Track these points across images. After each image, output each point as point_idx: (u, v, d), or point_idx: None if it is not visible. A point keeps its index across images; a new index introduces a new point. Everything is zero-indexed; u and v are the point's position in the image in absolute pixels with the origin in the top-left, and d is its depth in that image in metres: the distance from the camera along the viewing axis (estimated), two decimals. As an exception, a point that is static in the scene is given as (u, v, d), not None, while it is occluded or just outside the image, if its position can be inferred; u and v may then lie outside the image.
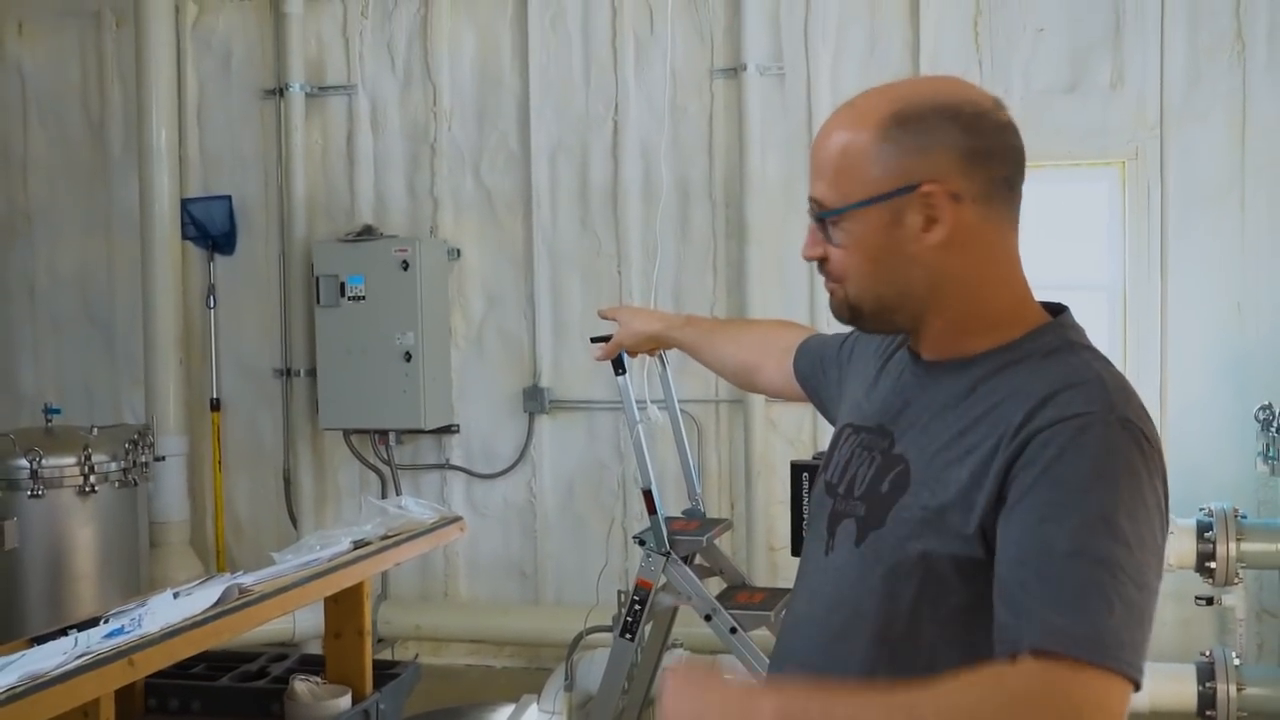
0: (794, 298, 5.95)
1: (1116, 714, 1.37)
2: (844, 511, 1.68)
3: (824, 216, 1.61)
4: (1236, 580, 5.09)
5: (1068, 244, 5.94)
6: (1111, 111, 5.74)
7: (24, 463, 4.86)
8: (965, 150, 1.56)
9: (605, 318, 2.70)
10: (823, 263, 1.66)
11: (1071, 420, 1.46)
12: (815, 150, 1.65)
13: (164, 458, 5.98)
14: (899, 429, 1.66)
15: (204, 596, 2.54)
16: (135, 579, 5.25)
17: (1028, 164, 5.21)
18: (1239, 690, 4.97)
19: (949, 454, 1.57)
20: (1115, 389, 1.52)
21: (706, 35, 6.15)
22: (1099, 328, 5.84)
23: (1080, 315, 5.68)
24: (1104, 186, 5.85)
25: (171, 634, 2.29)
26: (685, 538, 4.63)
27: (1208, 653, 5.13)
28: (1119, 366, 5.32)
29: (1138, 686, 1.38)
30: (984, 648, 1.49)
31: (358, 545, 3.05)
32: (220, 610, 2.44)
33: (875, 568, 1.60)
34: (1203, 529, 5.09)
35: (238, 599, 2.52)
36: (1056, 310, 1.68)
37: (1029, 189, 5.41)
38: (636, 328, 2.52)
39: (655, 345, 2.55)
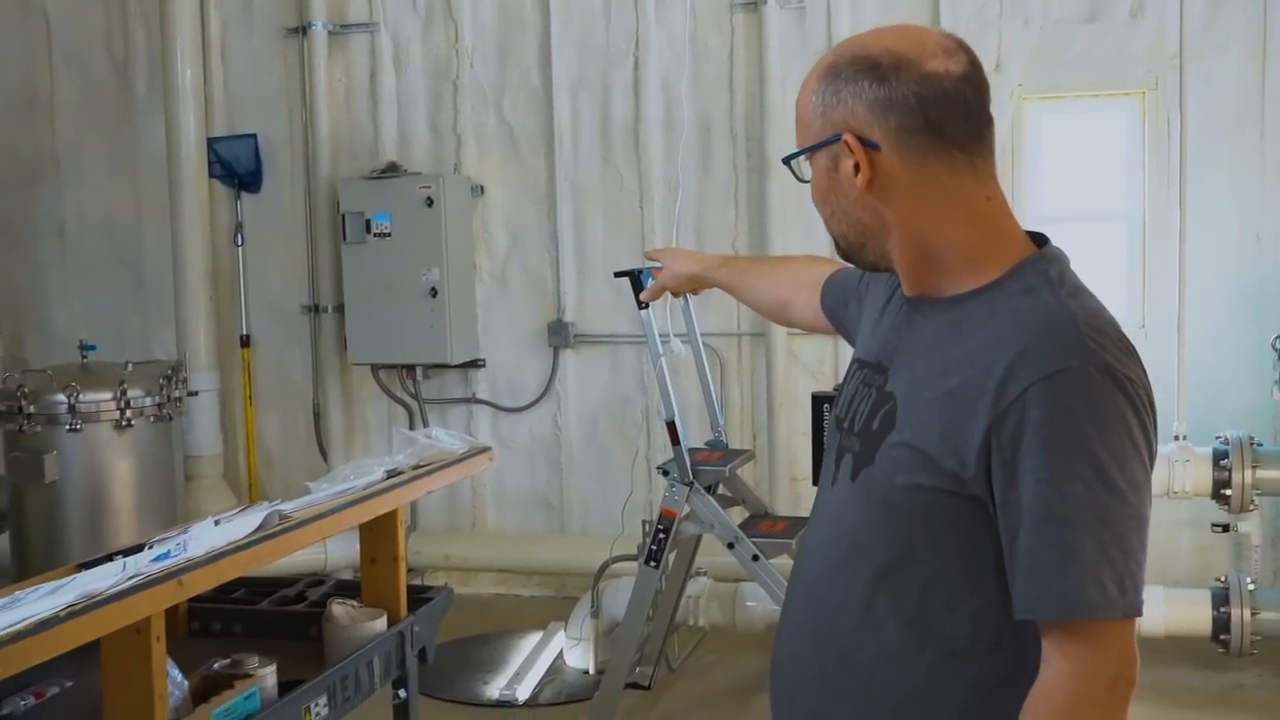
0: (814, 231, 5.91)
1: (1133, 646, 1.53)
2: (846, 446, 1.75)
3: (785, 160, 1.74)
4: (1252, 507, 5.17)
5: (1088, 174, 5.97)
6: (1131, 42, 5.74)
7: (62, 398, 4.98)
8: (874, 101, 1.60)
9: (649, 258, 2.81)
10: None
11: (1053, 377, 1.50)
12: None
13: (196, 393, 6.10)
14: (893, 366, 1.71)
15: (246, 522, 2.63)
16: (171, 511, 5.38)
17: (1048, 94, 5.21)
18: (1253, 615, 5.05)
19: (929, 393, 1.61)
20: (1090, 331, 1.54)
21: (726, -31, 6.16)
22: (1118, 257, 5.88)
23: (1099, 245, 5.67)
24: (1123, 117, 5.86)
25: (216, 557, 2.39)
26: (708, 468, 4.73)
27: (1223, 578, 5.21)
28: (1137, 296, 5.33)
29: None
30: (983, 577, 1.59)
31: (391, 474, 3.14)
32: (262, 535, 2.54)
33: (868, 503, 1.67)
34: (1218, 456, 5.16)
35: (278, 524, 2.62)
36: (1041, 242, 1.70)
37: (1048, 118, 5.46)
38: (676, 269, 2.59)
39: (695, 285, 2.62)
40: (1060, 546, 1.48)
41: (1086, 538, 1.48)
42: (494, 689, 5.27)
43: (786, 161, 1.73)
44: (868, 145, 1.61)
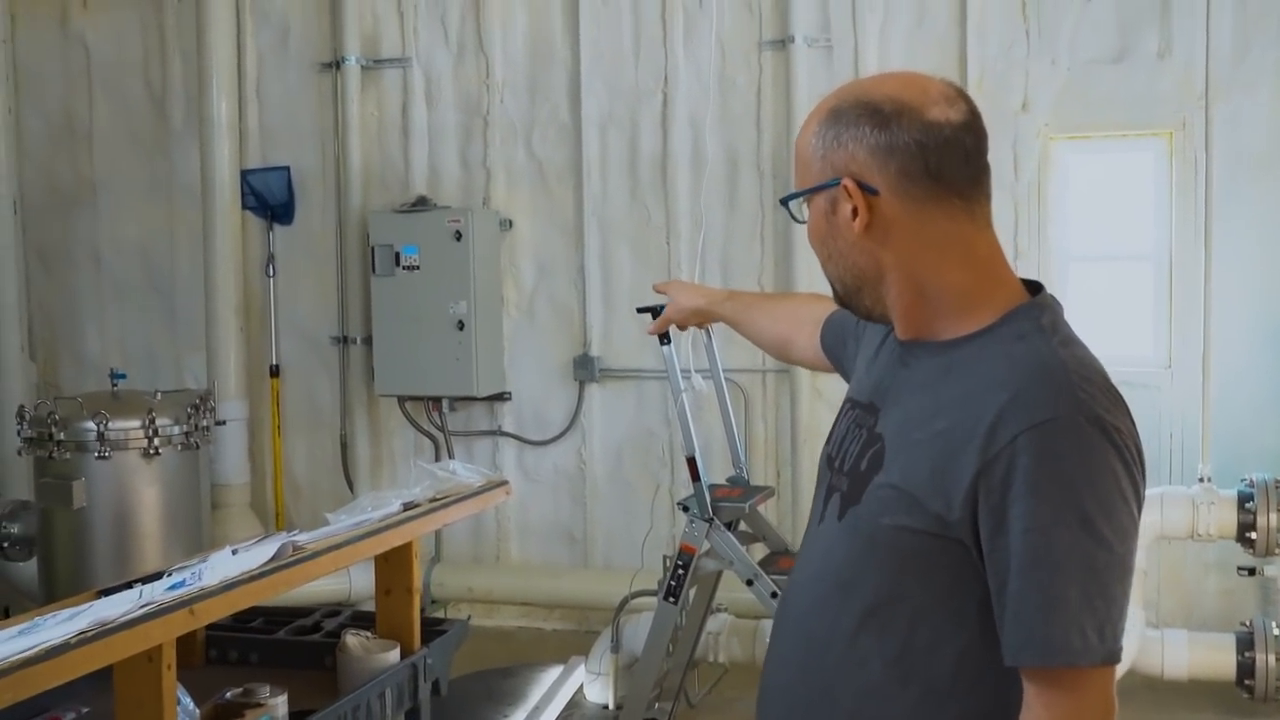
0: (840, 268, 6.00)
1: (1112, 693, 1.56)
2: (834, 485, 1.76)
3: (781, 202, 1.77)
4: (1278, 551, 5.13)
5: (1115, 214, 5.96)
6: (1159, 81, 5.74)
7: (91, 425, 5.04)
8: (875, 146, 1.62)
9: (659, 291, 2.82)
10: None
11: (1042, 426, 1.51)
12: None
13: (224, 422, 6.17)
14: (884, 407, 1.73)
15: (260, 553, 2.67)
16: (198, 538, 5.42)
17: (1075, 134, 5.21)
18: (1278, 660, 5.00)
19: (919, 434, 1.63)
20: (1080, 381, 1.55)
21: (754, 7, 6.20)
22: (1144, 297, 5.87)
23: (1126, 284, 5.65)
24: (1151, 157, 5.85)
25: (229, 586, 2.43)
26: (728, 504, 4.73)
27: (1248, 622, 5.17)
28: (1164, 336, 5.32)
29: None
30: (967, 618, 1.60)
31: (408, 507, 3.17)
32: (275, 565, 2.57)
33: (855, 541, 1.69)
34: (1243, 499, 5.13)
35: (291, 555, 2.65)
36: (1036, 290, 1.72)
37: (1075, 158, 5.45)
38: (683, 303, 2.63)
39: (701, 319, 2.65)
40: (1045, 593, 1.50)
41: (1071, 585, 1.49)
42: (513, 722, 5.27)
43: (784, 202, 1.75)
44: (866, 190, 1.63)
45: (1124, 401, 1.59)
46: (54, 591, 5.15)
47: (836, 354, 2.13)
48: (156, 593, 2.51)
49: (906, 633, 1.63)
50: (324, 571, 2.73)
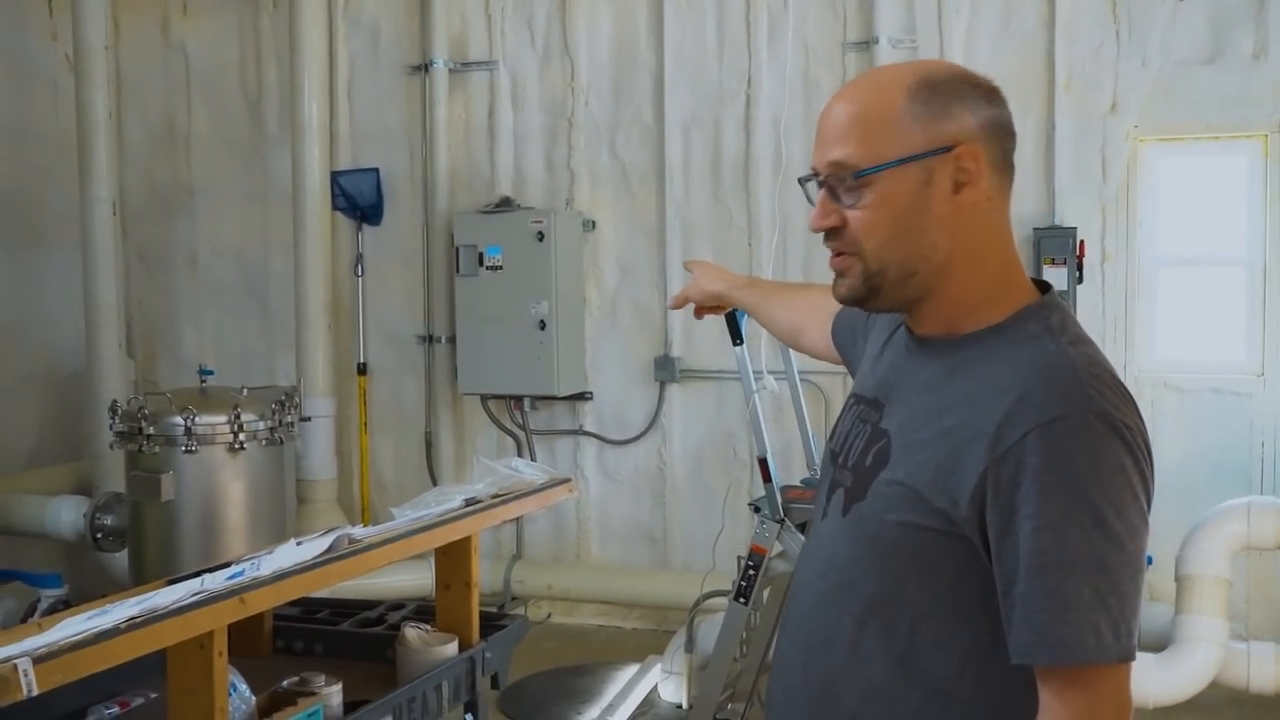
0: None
1: (1128, 692, 1.53)
2: (839, 481, 1.74)
3: (860, 175, 1.59)
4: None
5: (1206, 217, 5.83)
6: (1254, 83, 5.62)
7: (179, 420, 5.16)
8: (988, 119, 1.61)
9: (688, 269, 2.73)
10: (833, 233, 1.65)
11: (1052, 424, 1.49)
12: (828, 118, 1.65)
13: (310, 418, 6.30)
14: (889, 404, 1.70)
15: (319, 545, 2.73)
16: (281, 532, 5.51)
17: (1166, 136, 5.13)
18: (1368, 675, 4.86)
19: (924, 433, 1.61)
20: (1089, 379, 1.54)
21: (839, 8, 6.18)
22: (1237, 303, 5.73)
23: (1217, 289, 5.58)
24: (1244, 160, 5.71)
25: (280, 577, 2.48)
26: (799, 506, 4.72)
27: (1338, 636, 5.03)
28: (1257, 343, 5.22)
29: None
30: (972, 617, 1.58)
31: (469, 503, 3.21)
32: (328, 557, 2.62)
33: (859, 539, 1.66)
34: (1317, 510, 4.99)
35: (346, 547, 2.70)
36: (1044, 289, 1.69)
37: (1166, 160, 5.38)
38: (703, 284, 2.55)
39: (719, 303, 2.59)
40: (1058, 593, 1.48)
41: (1084, 585, 1.48)
42: (586, 719, 5.30)
43: (860, 175, 1.59)
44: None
45: (1132, 399, 1.57)
46: (143, 581, 5.29)
47: (846, 348, 2.09)
48: (216, 582, 2.57)
49: (910, 631, 1.61)
50: (378, 564, 2.78)
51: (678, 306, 2.66)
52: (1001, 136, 1.63)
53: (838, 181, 1.62)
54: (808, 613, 1.75)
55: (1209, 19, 5.66)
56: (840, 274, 1.68)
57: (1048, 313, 1.63)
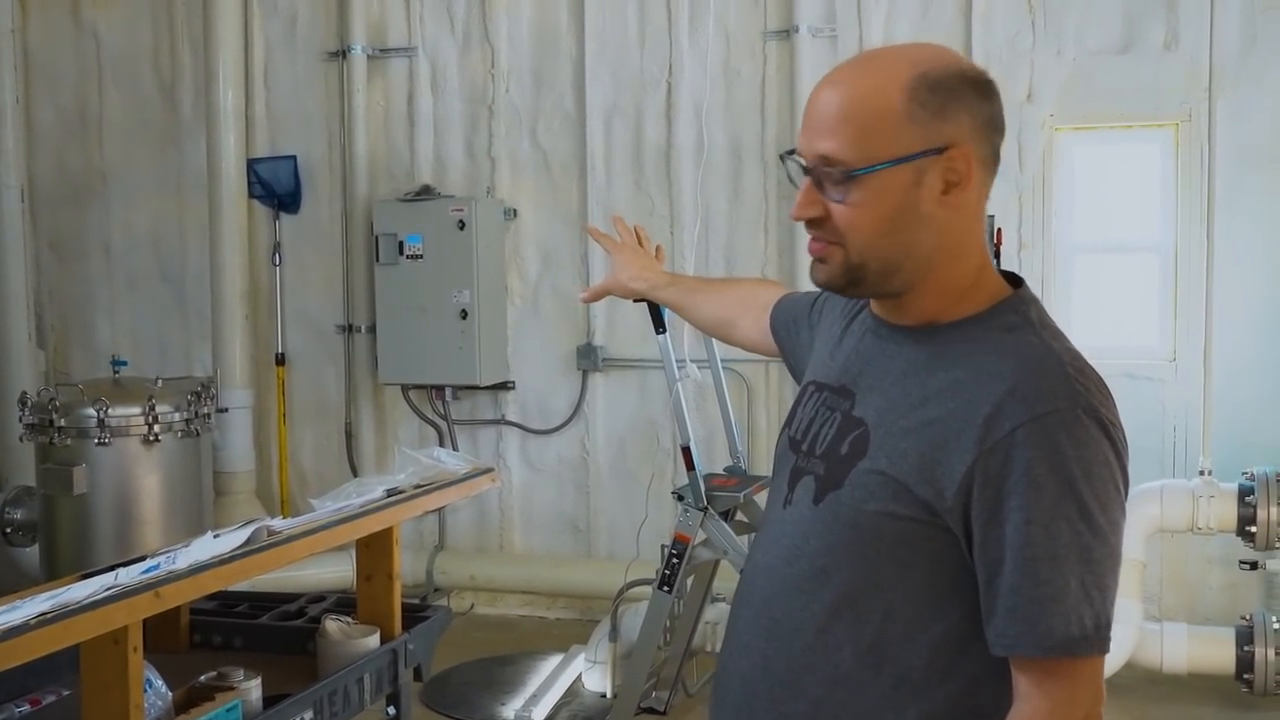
0: (843, 259, 5.99)
1: (1101, 681, 1.57)
2: (804, 468, 1.72)
3: (852, 175, 1.56)
4: (1278, 544, 5.09)
5: (1120, 205, 5.93)
6: (1165, 73, 5.71)
7: (92, 412, 5.08)
8: (983, 117, 1.59)
9: (607, 250, 2.60)
10: (814, 223, 1.63)
11: (1043, 419, 1.51)
12: (819, 105, 1.61)
13: (227, 409, 6.21)
14: (860, 391, 1.69)
15: (237, 537, 2.68)
16: (199, 525, 5.43)
17: (1081, 125, 5.18)
18: (1277, 654, 4.98)
19: (906, 421, 1.60)
20: (1076, 374, 1.56)
21: (760, -3, 6.20)
22: (1150, 289, 5.84)
23: (1131, 276, 5.64)
24: (1157, 148, 5.82)
25: (197, 570, 2.44)
26: (723, 493, 4.74)
27: (1248, 616, 5.14)
28: (1169, 329, 5.30)
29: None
30: (946, 607, 1.59)
31: (391, 493, 3.17)
32: (247, 550, 2.58)
33: (834, 527, 1.65)
34: (1244, 493, 5.10)
35: (266, 539, 2.66)
36: (1015, 282, 1.70)
37: (1081, 149, 5.44)
38: (624, 281, 2.48)
39: (641, 299, 2.55)
40: (1048, 585, 1.50)
41: (1071, 577, 1.49)
42: (510, 709, 5.28)
43: (853, 175, 1.57)
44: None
45: (1111, 394, 1.59)
46: (56, 576, 5.19)
47: (786, 340, 2.08)
48: (131, 576, 2.52)
49: (881, 620, 1.61)
50: (297, 556, 2.74)
51: (593, 299, 2.60)
52: (993, 134, 1.61)
53: (824, 174, 1.59)
54: (770, 599, 1.73)
55: (1122, 9, 5.75)
56: (819, 259, 1.65)
57: (1025, 306, 1.65)
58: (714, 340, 5.09)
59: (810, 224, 1.63)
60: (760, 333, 2.17)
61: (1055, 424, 1.50)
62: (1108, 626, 1.52)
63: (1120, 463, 1.55)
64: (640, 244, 2.58)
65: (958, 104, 1.57)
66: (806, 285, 5.86)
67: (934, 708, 1.62)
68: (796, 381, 2.00)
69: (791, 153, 1.66)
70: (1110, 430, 1.54)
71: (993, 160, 1.63)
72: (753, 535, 5.00)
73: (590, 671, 5.45)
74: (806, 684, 1.67)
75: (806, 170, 1.61)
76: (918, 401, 1.60)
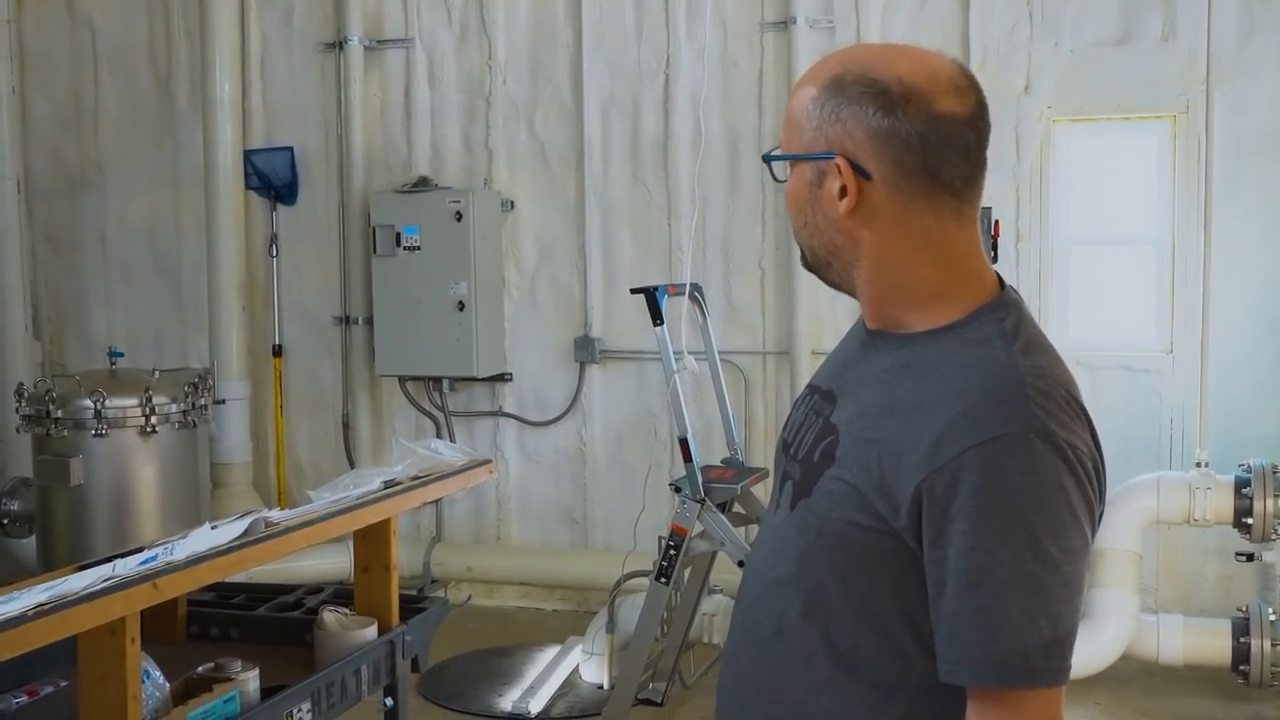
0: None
1: (1055, 711, 1.50)
2: (789, 472, 1.72)
3: (764, 158, 1.69)
4: (1274, 536, 5.10)
5: (1117, 197, 5.93)
6: (1162, 65, 5.71)
7: (88, 403, 5.07)
8: (875, 130, 1.55)
9: None
10: None
11: (992, 443, 1.47)
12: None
13: (224, 401, 6.21)
14: (841, 397, 1.69)
15: (234, 528, 2.68)
16: (195, 516, 5.43)
17: (1078, 116, 5.14)
18: (1273, 646, 4.99)
19: (871, 432, 1.59)
20: (1036, 394, 1.51)
21: (757, -12, 6.19)
22: (1147, 281, 5.84)
23: (1128, 268, 5.62)
24: (1154, 140, 5.81)
25: (194, 561, 2.44)
26: (720, 485, 4.75)
27: (1244, 608, 5.15)
28: (1165, 321, 5.26)
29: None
30: (916, 616, 1.56)
31: (389, 485, 3.18)
32: (244, 541, 2.58)
33: (805, 533, 1.64)
34: (1240, 485, 5.10)
35: (263, 531, 2.66)
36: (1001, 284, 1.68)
37: (1078, 141, 5.43)
38: None
39: None
40: (985, 613, 1.46)
41: (1012, 606, 1.46)
42: (507, 701, 5.29)
43: (766, 159, 1.68)
44: (859, 173, 1.56)
45: (1084, 414, 1.55)
46: (53, 567, 5.19)
47: None
48: (128, 567, 2.52)
49: (853, 626, 1.60)
50: (295, 548, 2.74)
51: None
52: (897, 147, 1.55)
53: (764, 158, 1.70)
54: (755, 602, 1.73)
55: (1119, 1, 5.74)
56: None
57: (1002, 314, 1.61)
58: (711, 332, 5.10)
59: None
60: None
61: (1005, 449, 1.46)
62: (1062, 657, 1.47)
63: (1080, 489, 1.49)
64: None
65: (847, 110, 1.55)
66: (801, 275, 5.83)
67: (910, 715, 1.60)
68: None
69: None
70: (1068, 453, 1.49)
71: (903, 177, 1.56)
72: (749, 528, 5.02)
73: (587, 663, 5.46)
74: (788, 687, 1.66)
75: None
76: (884, 411, 1.59)
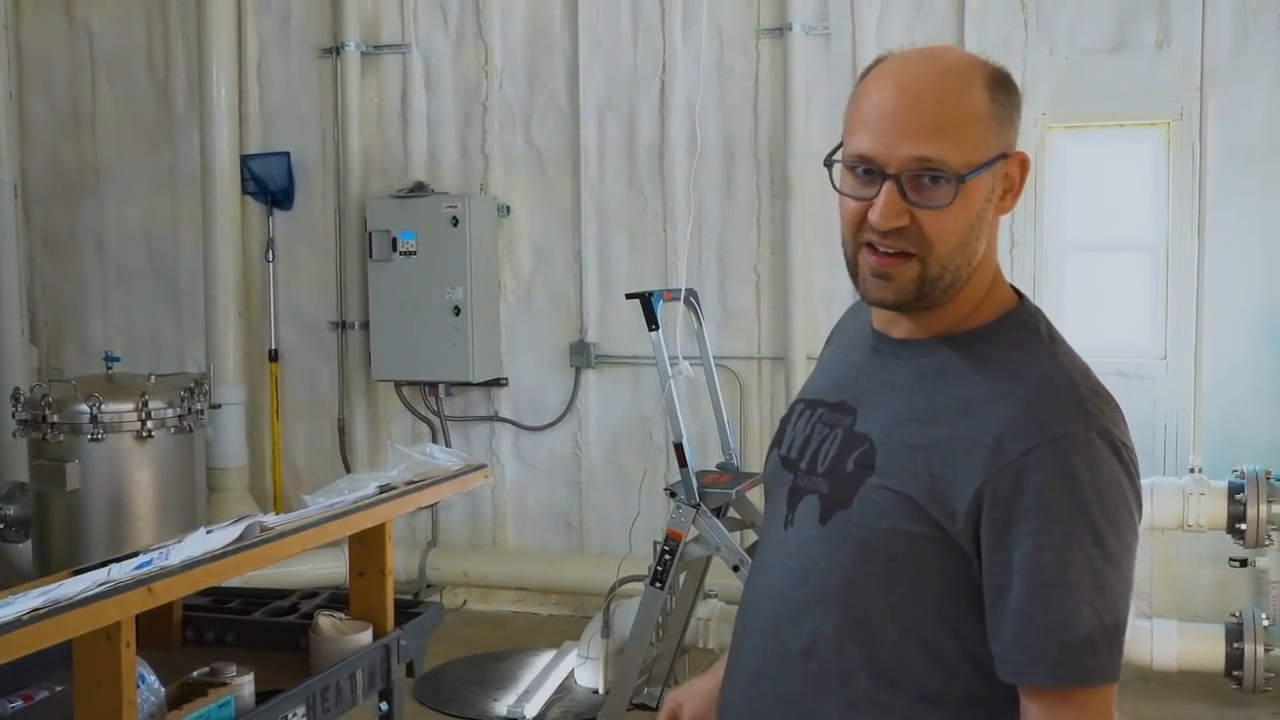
0: (835, 256, 5.93)
1: (1111, 709, 1.51)
2: (805, 487, 1.67)
3: (965, 178, 1.51)
4: (1268, 543, 5.11)
5: (1112, 204, 5.95)
6: (1157, 71, 5.72)
7: (84, 408, 5.07)
8: (1018, 124, 1.60)
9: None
10: (892, 233, 1.55)
11: (1056, 442, 1.47)
12: (905, 106, 1.53)
13: (220, 406, 6.21)
14: (861, 407, 1.65)
15: (230, 533, 2.69)
16: (191, 521, 5.44)
17: (1073, 123, 5.17)
18: (1266, 651, 5.00)
19: (915, 440, 1.56)
20: (1089, 394, 1.53)
21: (753, -5, 6.20)
22: (1142, 288, 5.85)
23: (1123, 275, 5.64)
24: (1149, 147, 5.83)
25: (190, 566, 2.44)
26: (716, 490, 4.75)
27: (1238, 613, 5.15)
28: (1160, 327, 5.28)
29: None
30: (961, 626, 1.55)
31: (384, 489, 3.18)
32: (240, 546, 2.59)
33: (844, 546, 1.60)
34: (1234, 491, 5.11)
35: (258, 536, 2.67)
36: (1017, 294, 1.68)
37: (1073, 147, 5.45)
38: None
39: None
40: (1059, 612, 1.46)
41: (1084, 604, 1.46)
42: (503, 706, 5.30)
43: (966, 177, 1.51)
44: None
45: (1123, 413, 1.57)
46: (48, 572, 5.19)
47: None
48: (123, 572, 2.53)
49: (896, 641, 1.57)
50: (290, 552, 2.75)
51: None
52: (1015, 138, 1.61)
53: (916, 178, 1.52)
54: (778, 624, 1.67)
55: (1114, 8, 5.76)
56: (885, 275, 1.57)
57: (1034, 319, 1.62)
58: (706, 337, 5.11)
59: (886, 234, 1.55)
60: None
61: (1069, 447, 1.47)
62: (1120, 654, 1.49)
63: (1134, 485, 1.51)
64: None
65: (1016, 108, 1.57)
66: (796, 281, 5.85)
67: None
68: None
69: (833, 156, 1.61)
70: (1123, 453, 1.50)
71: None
72: (745, 533, 5.03)
73: (583, 668, 5.46)
74: (823, 709, 1.62)
75: (887, 176, 1.53)
76: (926, 417, 1.56)
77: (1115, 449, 1.50)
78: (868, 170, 1.54)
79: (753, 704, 1.70)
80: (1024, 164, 1.59)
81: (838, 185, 1.60)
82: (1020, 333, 1.59)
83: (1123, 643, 1.49)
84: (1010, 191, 1.58)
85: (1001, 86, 1.55)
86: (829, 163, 1.63)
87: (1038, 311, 1.64)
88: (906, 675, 1.57)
